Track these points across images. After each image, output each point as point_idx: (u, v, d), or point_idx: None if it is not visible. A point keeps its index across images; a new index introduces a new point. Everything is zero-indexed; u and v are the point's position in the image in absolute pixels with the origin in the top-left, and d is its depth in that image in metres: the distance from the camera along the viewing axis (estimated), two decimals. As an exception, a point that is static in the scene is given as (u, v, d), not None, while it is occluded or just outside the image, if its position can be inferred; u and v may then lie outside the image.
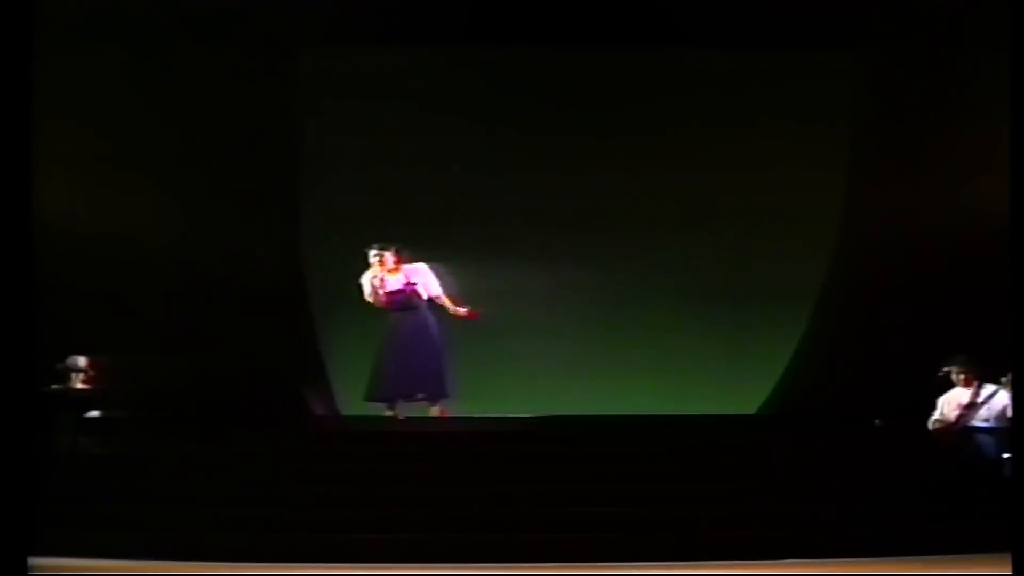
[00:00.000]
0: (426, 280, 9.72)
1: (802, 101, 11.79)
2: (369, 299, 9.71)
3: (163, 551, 6.88)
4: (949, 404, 8.97)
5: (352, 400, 10.77)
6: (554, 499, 7.60)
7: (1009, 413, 8.54)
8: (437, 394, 9.62)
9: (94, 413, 9.08)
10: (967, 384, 8.90)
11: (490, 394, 9.97)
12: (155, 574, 6.66)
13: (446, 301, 9.69)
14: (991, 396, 8.74)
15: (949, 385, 9.03)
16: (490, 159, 11.86)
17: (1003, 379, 8.55)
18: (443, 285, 9.75)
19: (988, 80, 10.50)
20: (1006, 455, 8.15)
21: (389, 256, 9.72)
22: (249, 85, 11.18)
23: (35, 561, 5.61)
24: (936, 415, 9.00)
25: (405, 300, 9.69)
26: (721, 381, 11.49)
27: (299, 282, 11.57)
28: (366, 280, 9.68)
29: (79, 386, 9.12)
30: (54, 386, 8.99)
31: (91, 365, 9.18)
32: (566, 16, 11.23)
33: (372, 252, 9.71)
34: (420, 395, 9.64)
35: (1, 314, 5.26)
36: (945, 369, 8.99)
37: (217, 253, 10.71)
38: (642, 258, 11.69)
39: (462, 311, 9.67)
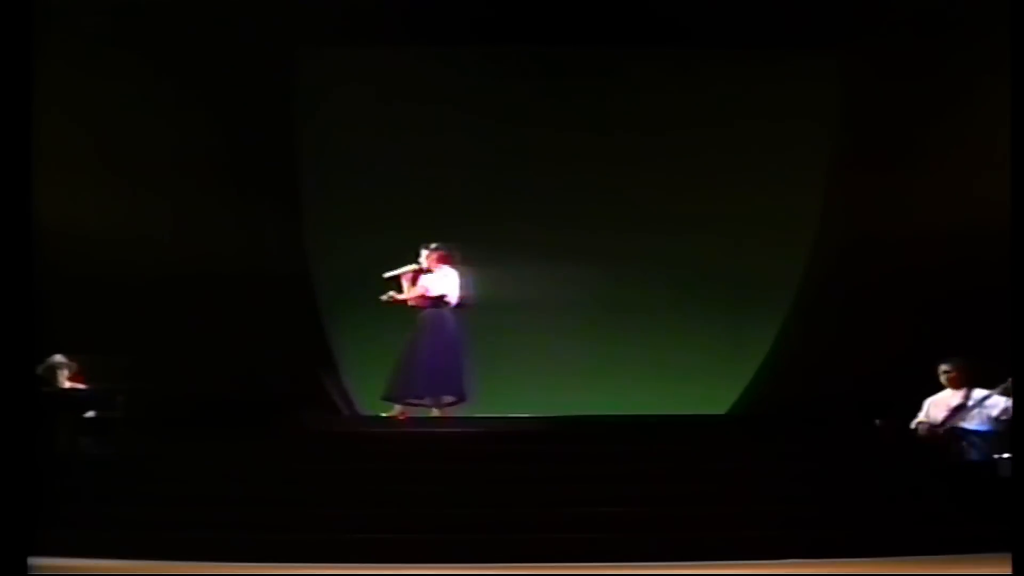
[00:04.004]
0: (445, 284, 9.75)
1: (787, 102, 11.85)
2: (402, 297, 9.76)
3: (163, 551, 6.88)
4: (936, 406, 8.93)
5: (364, 399, 10.85)
6: (554, 499, 7.59)
7: (1005, 417, 8.54)
8: (457, 396, 9.64)
9: (94, 413, 9.09)
10: (955, 385, 8.87)
11: (489, 394, 9.96)
12: (155, 574, 6.66)
13: (422, 291, 9.69)
14: (984, 399, 8.72)
15: (938, 386, 9.01)
16: (491, 158, 11.89)
17: (1005, 385, 8.52)
18: (462, 294, 9.77)
19: (971, 81, 10.56)
20: (1004, 455, 8.14)
21: (433, 256, 9.77)
22: (251, 85, 11.22)
23: (35, 561, 5.60)
24: (921, 415, 8.99)
25: (428, 300, 9.71)
26: (722, 381, 11.53)
27: (305, 282, 11.60)
28: (396, 272, 9.71)
29: (66, 385, 9.12)
30: (46, 387, 8.98)
31: (72, 361, 9.18)
32: (565, 17, 11.26)
33: (424, 248, 9.78)
34: (443, 397, 9.66)
35: (1, 314, 5.26)
36: (945, 368, 8.99)
37: (220, 253, 10.74)
38: (642, 258, 11.74)
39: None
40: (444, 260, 9.83)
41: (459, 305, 9.81)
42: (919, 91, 11.10)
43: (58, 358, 9.12)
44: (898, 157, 11.22)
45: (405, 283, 9.82)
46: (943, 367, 8.92)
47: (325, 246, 11.72)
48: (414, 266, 9.80)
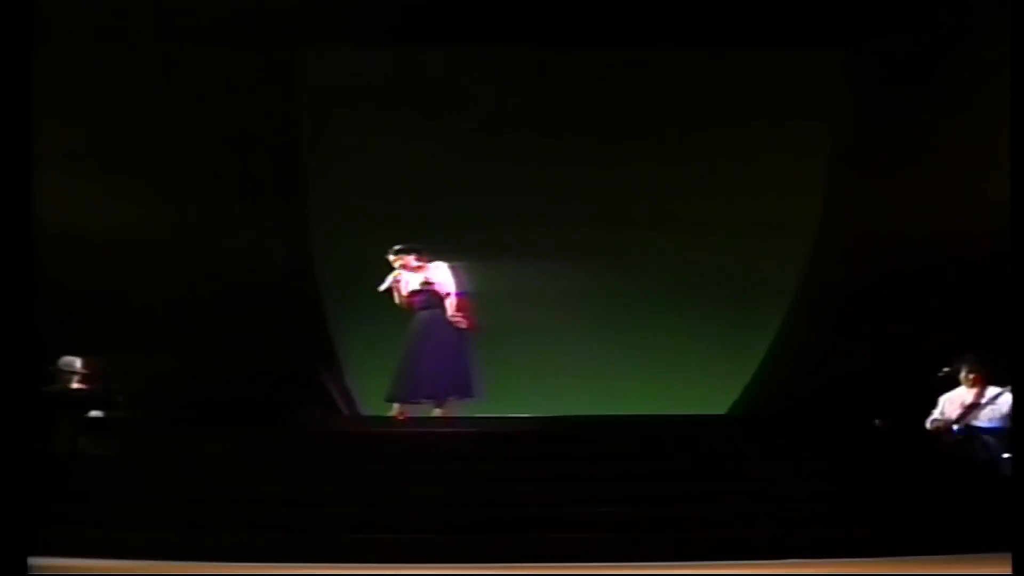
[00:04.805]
0: (444, 279, 9.72)
1: (789, 102, 11.86)
2: (397, 302, 9.73)
3: (163, 551, 6.88)
4: (951, 403, 8.94)
5: (365, 399, 10.85)
6: (554, 499, 7.60)
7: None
8: (466, 394, 9.63)
9: (94, 413, 9.08)
10: (974, 384, 8.87)
11: (490, 394, 9.95)
12: (155, 574, 6.66)
13: (451, 302, 9.69)
14: (996, 397, 8.72)
15: (951, 384, 9.02)
16: (494, 159, 11.90)
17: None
18: (460, 285, 9.76)
19: (975, 81, 10.57)
20: (1005, 455, 8.15)
21: (410, 257, 9.73)
22: (255, 86, 11.23)
23: (35, 561, 5.60)
24: (935, 413, 8.99)
25: (427, 300, 9.70)
26: (723, 381, 11.53)
27: (306, 283, 11.61)
28: (388, 282, 9.69)
29: (75, 386, 9.11)
30: (51, 387, 8.98)
31: (85, 364, 9.18)
32: (565, 18, 11.26)
33: (391, 254, 9.72)
34: (451, 397, 9.65)
35: (2, 315, 5.26)
36: (947, 368, 8.99)
37: (223, 254, 10.75)
38: (642, 258, 11.75)
39: (459, 319, 9.67)
40: (422, 259, 9.80)
41: (462, 303, 9.76)
42: (920, 92, 11.12)
43: (72, 360, 9.12)
44: (898, 157, 11.24)
45: (396, 293, 9.79)
46: (963, 365, 8.91)
47: (329, 246, 11.73)
48: (396, 273, 9.76)
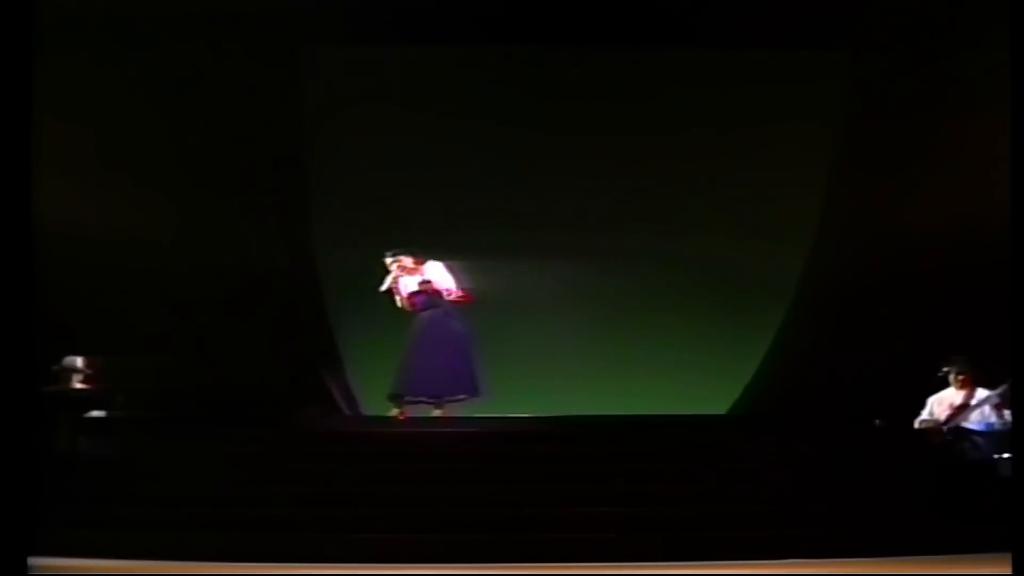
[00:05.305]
0: (441, 277, 9.76)
1: (789, 102, 11.86)
2: (399, 304, 9.75)
3: (163, 551, 6.88)
4: (940, 404, 8.96)
5: (366, 399, 10.85)
6: (554, 499, 7.60)
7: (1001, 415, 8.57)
8: (471, 393, 9.65)
9: (94, 413, 9.08)
10: (963, 386, 8.88)
11: (489, 394, 9.96)
12: (155, 574, 6.66)
13: (451, 295, 9.73)
14: (985, 400, 8.74)
15: (943, 385, 9.03)
16: (495, 160, 11.91)
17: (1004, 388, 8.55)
18: (457, 281, 9.80)
19: (975, 80, 10.57)
20: (1004, 455, 8.14)
21: (406, 259, 9.76)
22: (258, 86, 11.23)
23: (35, 561, 5.60)
24: (924, 414, 9.00)
25: (427, 300, 9.74)
26: (723, 381, 11.54)
27: (308, 282, 11.61)
28: (387, 283, 9.72)
29: (78, 386, 9.11)
30: (52, 387, 8.98)
31: (88, 365, 9.18)
32: (566, 17, 11.27)
33: (387, 257, 9.74)
34: (457, 396, 9.67)
35: (2, 315, 5.26)
36: (946, 369, 9.00)
37: (224, 254, 10.75)
38: (643, 258, 11.75)
39: (459, 297, 9.72)
40: (418, 261, 9.83)
41: (463, 298, 9.80)
42: (920, 92, 11.12)
43: (73, 359, 9.12)
44: (898, 158, 11.25)
45: (398, 296, 9.82)
46: (954, 369, 8.92)
47: (331, 246, 11.74)
48: (393, 275, 9.79)
